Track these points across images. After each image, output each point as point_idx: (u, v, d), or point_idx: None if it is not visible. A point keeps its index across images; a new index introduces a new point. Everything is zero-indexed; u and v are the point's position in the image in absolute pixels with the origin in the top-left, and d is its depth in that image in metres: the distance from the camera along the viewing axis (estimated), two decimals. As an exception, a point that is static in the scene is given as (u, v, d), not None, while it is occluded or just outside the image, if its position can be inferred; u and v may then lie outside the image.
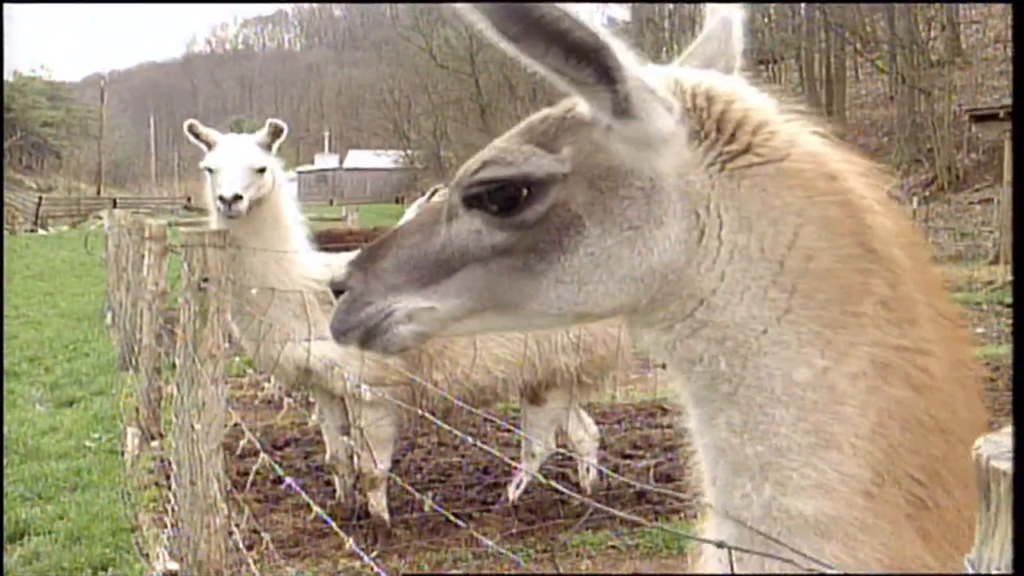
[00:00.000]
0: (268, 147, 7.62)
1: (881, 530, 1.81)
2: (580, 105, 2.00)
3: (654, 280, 1.93)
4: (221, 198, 7.18)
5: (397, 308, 2.10)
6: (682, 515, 7.79)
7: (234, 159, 7.41)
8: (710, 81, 2.05)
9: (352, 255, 2.30)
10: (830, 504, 1.82)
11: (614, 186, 1.92)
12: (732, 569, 1.79)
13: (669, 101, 1.93)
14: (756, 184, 1.91)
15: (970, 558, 0.96)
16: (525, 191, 1.96)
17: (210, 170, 7.44)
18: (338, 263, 7.64)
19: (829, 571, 1.75)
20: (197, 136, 7.67)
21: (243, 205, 7.19)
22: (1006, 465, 0.93)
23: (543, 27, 1.82)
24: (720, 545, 1.82)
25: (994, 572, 0.93)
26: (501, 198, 1.99)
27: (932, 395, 1.88)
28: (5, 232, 48.19)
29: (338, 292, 2.20)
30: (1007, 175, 30.95)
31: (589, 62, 1.86)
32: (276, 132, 7.67)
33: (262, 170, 7.40)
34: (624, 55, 1.87)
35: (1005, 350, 15.58)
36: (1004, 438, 1.00)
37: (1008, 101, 42.79)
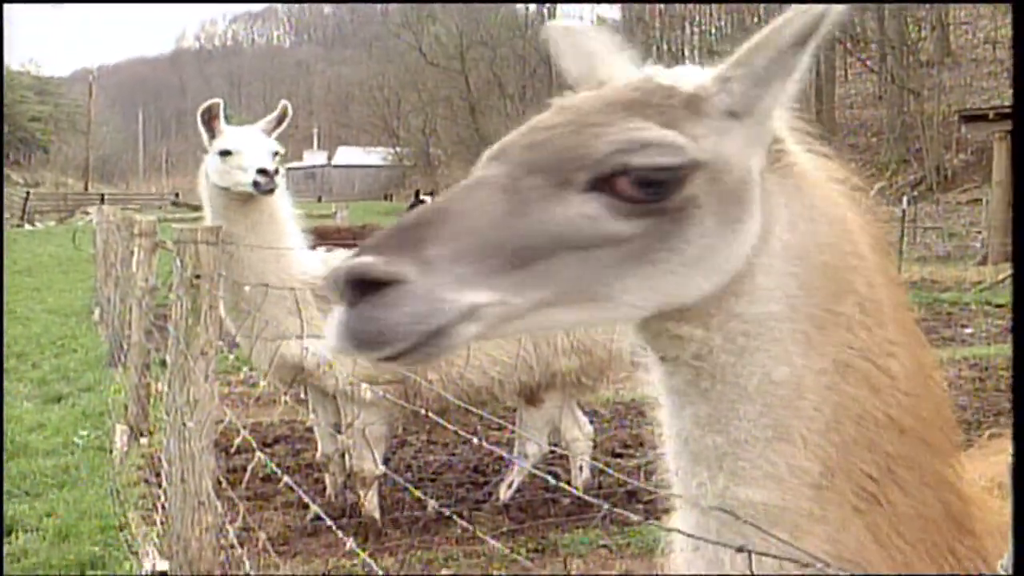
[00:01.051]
0: (269, 135, 7.61)
1: (828, 521, 1.88)
2: (711, 96, 1.96)
3: (732, 274, 1.92)
4: (262, 171, 7.10)
5: (467, 303, 1.75)
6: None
7: (255, 140, 7.41)
8: None
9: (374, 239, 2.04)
10: (779, 494, 1.89)
11: (731, 179, 1.91)
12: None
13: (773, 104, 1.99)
14: (797, 184, 2.00)
15: (1003, 564, 0.96)
16: (678, 179, 1.85)
17: (228, 152, 7.27)
18: (334, 260, 7.61)
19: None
20: (210, 120, 7.53)
21: (273, 183, 7.16)
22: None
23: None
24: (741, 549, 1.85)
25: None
26: (650, 184, 1.84)
27: (891, 395, 1.94)
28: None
29: (362, 285, 1.76)
30: (996, 175, 31.05)
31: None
32: (283, 116, 7.74)
33: (277, 154, 7.39)
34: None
35: (994, 350, 15.62)
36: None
37: (998, 102, 42.92)
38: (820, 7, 1.87)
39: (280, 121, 7.67)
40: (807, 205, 1.99)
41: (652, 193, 1.83)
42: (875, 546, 1.88)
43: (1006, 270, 25.27)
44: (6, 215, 59.99)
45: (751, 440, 1.90)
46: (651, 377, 2.10)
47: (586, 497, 3.22)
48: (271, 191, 7.15)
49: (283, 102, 7.75)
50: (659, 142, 1.85)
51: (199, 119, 7.56)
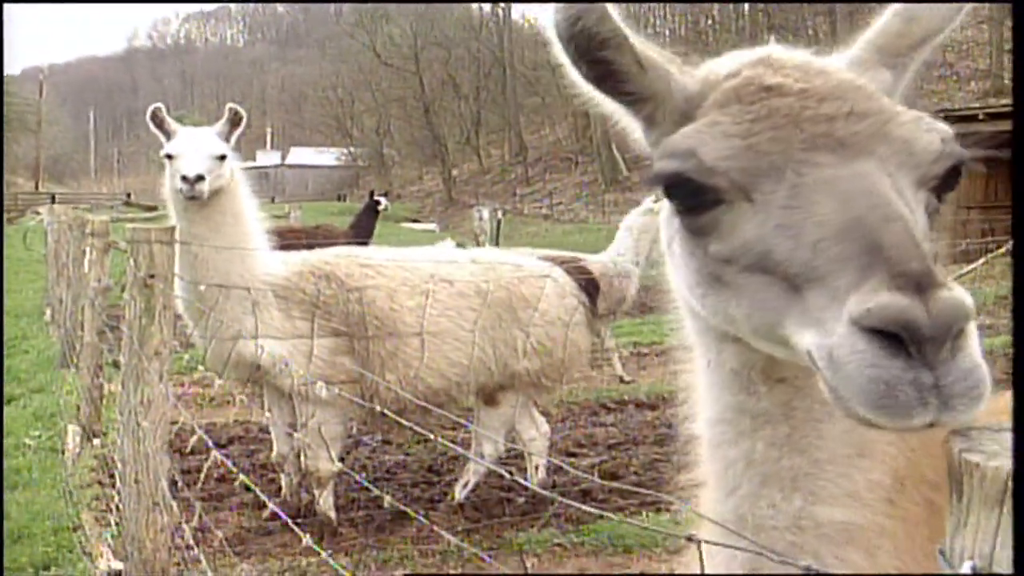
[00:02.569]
0: (227, 138, 7.51)
1: (896, 535, 1.84)
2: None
3: None
4: (184, 177, 7.05)
5: None
6: (626, 512, 7.84)
7: (195, 145, 7.31)
8: None
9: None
10: (859, 511, 1.85)
11: None
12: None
13: None
14: None
15: (942, 548, 0.98)
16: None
17: (170, 157, 7.29)
18: (294, 260, 7.62)
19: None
20: (160, 124, 7.54)
21: (205, 186, 7.07)
22: (978, 457, 0.95)
23: None
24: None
25: (967, 561, 0.95)
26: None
27: None
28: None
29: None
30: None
31: None
32: (235, 119, 7.57)
33: (222, 158, 7.30)
34: None
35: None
36: (975, 431, 1.04)
37: (948, 105, 43.39)
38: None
39: (234, 124, 7.57)
40: None
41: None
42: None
43: (955, 271, 25.48)
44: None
45: (834, 459, 1.86)
46: (716, 402, 2.03)
47: (544, 492, 3.24)
48: (194, 198, 7.11)
49: (230, 105, 7.63)
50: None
51: (150, 123, 7.58)
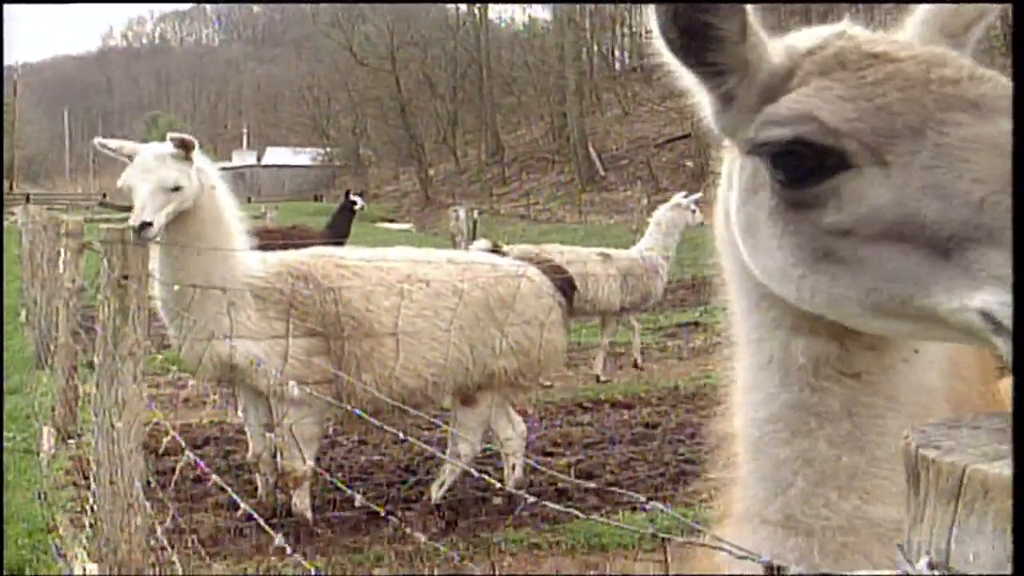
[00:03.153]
0: (186, 158, 7.30)
1: None
2: None
3: None
4: (131, 227, 6.69)
5: None
6: (602, 511, 7.86)
7: (145, 180, 7.11)
8: None
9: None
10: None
11: None
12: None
13: None
14: None
15: (900, 543, 1.00)
16: None
17: (104, 204, 7.16)
18: (272, 260, 7.63)
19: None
20: (112, 150, 7.48)
21: (153, 231, 6.89)
22: (934, 453, 0.97)
23: None
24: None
25: (924, 556, 0.96)
26: None
27: (968, 379, 1.93)
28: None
29: None
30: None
31: None
32: (184, 147, 7.29)
33: (177, 188, 7.13)
34: None
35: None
36: (930, 427, 1.06)
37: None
38: None
39: (186, 150, 7.27)
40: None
41: None
42: None
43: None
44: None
45: (892, 456, 1.81)
46: (771, 400, 1.97)
47: (517, 493, 3.25)
48: (148, 239, 6.81)
49: (172, 136, 7.39)
50: None
51: (101, 150, 7.53)
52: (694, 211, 14.78)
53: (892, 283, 1.58)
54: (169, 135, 7.42)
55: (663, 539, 1.78)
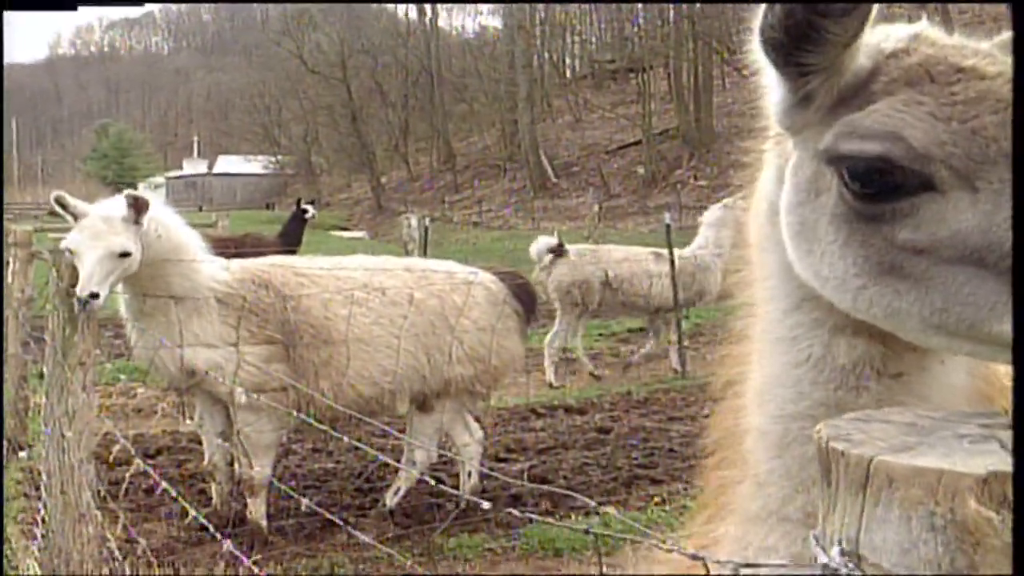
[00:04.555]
0: (136, 220, 7.06)
1: None
2: None
3: None
4: (77, 299, 6.38)
5: None
6: (557, 516, 7.91)
7: (92, 248, 6.82)
8: None
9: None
10: None
11: None
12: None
13: None
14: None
15: (815, 533, 1.05)
16: None
17: (70, 251, 6.83)
18: (235, 267, 7.64)
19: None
20: (64, 207, 7.29)
21: (99, 303, 6.45)
22: (843, 445, 1.03)
23: None
24: None
25: (836, 545, 1.01)
26: None
27: (990, 378, 1.91)
28: None
29: None
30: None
31: None
32: (138, 207, 7.09)
33: (125, 255, 6.91)
34: None
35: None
36: (842, 422, 1.11)
37: (868, 110, 44.04)
38: None
39: (139, 211, 7.07)
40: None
41: None
42: None
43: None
44: None
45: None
46: (803, 398, 1.94)
47: (474, 499, 3.28)
48: (93, 310, 6.22)
49: (128, 193, 7.19)
50: None
51: (56, 207, 7.36)
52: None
53: (964, 306, 1.57)
54: (125, 193, 7.20)
55: (595, 537, 1.77)
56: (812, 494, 1.85)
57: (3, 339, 9.27)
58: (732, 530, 2.04)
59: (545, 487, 8.20)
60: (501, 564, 7.37)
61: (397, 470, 8.34)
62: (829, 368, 1.90)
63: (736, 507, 2.05)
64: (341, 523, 5.44)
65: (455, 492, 7.91)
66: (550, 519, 7.72)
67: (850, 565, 0.98)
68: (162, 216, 7.43)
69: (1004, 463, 0.93)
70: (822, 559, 1.01)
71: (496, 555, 7.49)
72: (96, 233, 6.90)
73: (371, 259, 8.51)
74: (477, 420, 8.88)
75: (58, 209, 7.25)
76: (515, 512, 2.70)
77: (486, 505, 2.69)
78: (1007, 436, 1.01)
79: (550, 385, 13.76)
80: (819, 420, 1.72)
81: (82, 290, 6.45)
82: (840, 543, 1.00)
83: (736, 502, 2.06)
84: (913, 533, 0.94)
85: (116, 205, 7.13)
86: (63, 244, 6.98)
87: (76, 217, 7.06)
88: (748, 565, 1.30)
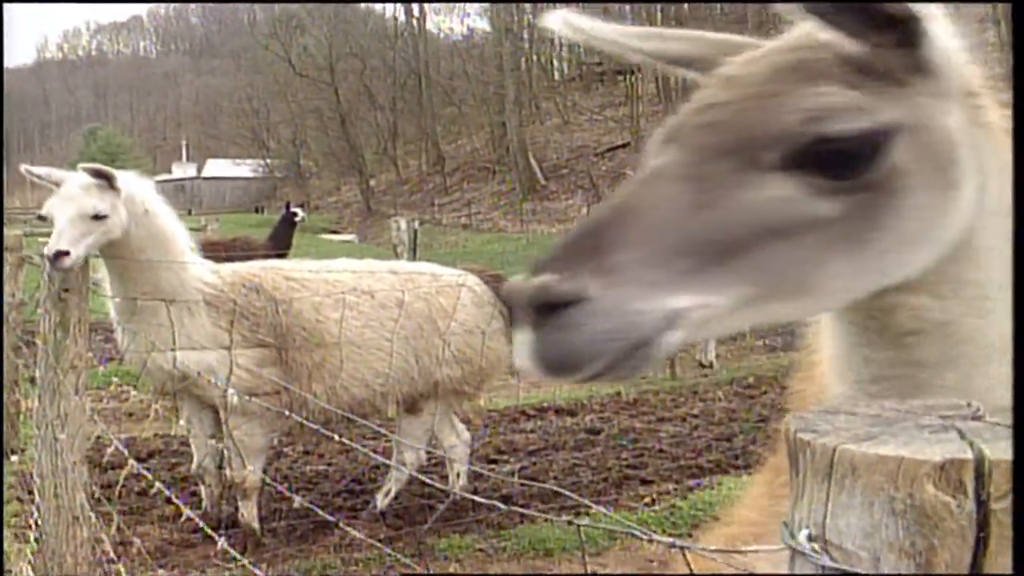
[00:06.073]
0: (110, 188, 7.09)
1: None
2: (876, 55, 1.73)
3: (953, 241, 1.77)
4: (46, 257, 6.47)
5: (666, 310, 1.58)
6: (546, 518, 7.94)
7: (64, 208, 6.92)
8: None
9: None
10: None
11: (933, 142, 1.72)
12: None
13: (952, 56, 1.77)
14: (1000, 139, 1.84)
15: (785, 521, 1.10)
16: (876, 147, 1.65)
17: (42, 218, 7.04)
18: (226, 271, 7.68)
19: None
20: (39, 177, 7.38)
21: (69, 261, 6.37)
22: (809, 436, 1.07)
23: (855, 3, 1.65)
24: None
25: (804, 529, 1.07)
26: (845, 155, 1.65)
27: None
28: None
29: (545, 308, 1.56)
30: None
31: (893, 29, 1.69)
32: (101, 175, 7.09)
33: (101, 217, 6.93)
34: (934, 21, 1.70)
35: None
36: (810, 414, 1.16)
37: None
38: None
39: (107, 180, 7.08)
40: (1004, 161, 1.82)
41: (853, 166, 1.65)
42: None
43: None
44: None
45: (1005, 401, 1.65)
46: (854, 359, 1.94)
47: (471, 496, 3.32)
48: (63, 269, 6.26)
49: (83, 166, 7.19)
50: (851, 106, 1.66)
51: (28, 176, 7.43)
52: None
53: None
54: (81, 166, 7.23)
55: (582, 535, 1.81)
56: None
57: (2, 342, 9.31)
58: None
59: (535, 484, 8.25)
60: (492, 564, 7.41)
61: (387, 472, 8.39)
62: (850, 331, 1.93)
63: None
64: (333, 522, 5.47)
65: (445, 489, 7.97)
66: (539, 516, 7.77)
67: (817, 548, 1.03)
68: (149, 194, 7.48)
69: (961, 451, 0.98)
70: (790, 543, 1.06)
71: (487, 555, 7.53)
72: (69, 195, 6.99)
73: (356, 262, 8.55)
74: (466, 421, 8.93)
75: (35, 179, 7.33)
76: (502, 506, 2.74)
77: (480, 500, 2.73)
78: (965, 426, 1.06)
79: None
80: (896, 380, 1.85)
81: (50, 248, 6.49)
82: (808, 528, 1.05)
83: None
84: (875, 517, 0.99)
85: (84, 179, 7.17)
86: (42, 210, 7.04)
87: (57, 184, 7.13)
88: (737, 552, 1.36)
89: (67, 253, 6.44)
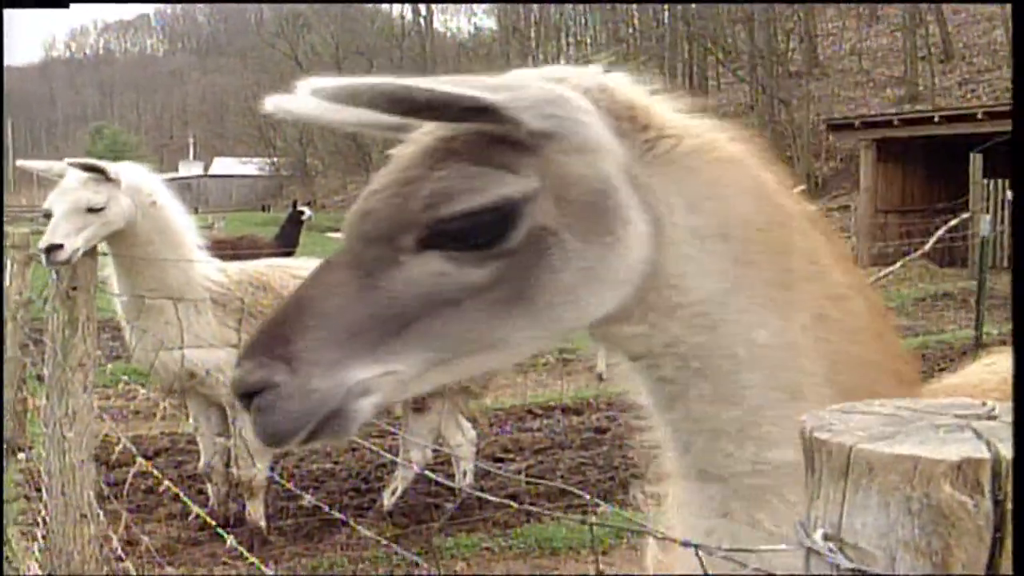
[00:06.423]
0: (107, 179, 7.09)
1: None
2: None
3: (637, 277, 1.89)
4: (39, 251, 6.63)
5: (348, 384, 1.79)
6: (553, 517, 7.95)
7: (60, 202, 6.95)
8: (601, 76, 2.01)
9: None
10: None
11: (579, 195, 1.85)
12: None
13: (584, 106, 1.88)
14: (685, 165, 1.94)
15: (800, 520, 1.10)
16: (504, 217, 1.80)
17: (47, 216, 7.01)
18: (233, 269, 7.68)
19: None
20: (40, 171, 7.41)
21: (64, 254, 6.49)
22: (826, 435, 1.07)
23: (428, 105, 1.78)
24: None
25: (819, 529, 1.07)
26: (477, 231, 1.80)
27: (865, 336, 2.00)
28: None
29: (247, 395, 1.80)
30: (863, 182, 31.85)
31: (481, 114, 1.80)
32: (87, 168, 7.10)
33: (98, 209, 6.93)
34: (512, 96, 1.81)
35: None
36: (825, 413, 1.15)
37: (864, 111, 44.14)
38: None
39: (100, 173, 7.09)
40: (709, 183, 1.96)
41: (488, 235, 1.80)
42: None
43: (874, 273, 25.96)
44: None
45: (769, 403, 1.90)
46: (631, 374, 2.10)
47: (479, 494, 3.32)
48: (59, 263, 6.37)
49: (70, 160, 7.21)
50: (465, 188, 1.81)
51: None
52: None
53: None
54: (68, 161, 7.23)
55: (592, 534, 1.89)
56: (693, 453, 2.03)
57: (2, 341, 9.31)
58: (669, 488, 2.19)
59: (542, 483, 8.25)
60: (498, 563, 7.41)
61: (394, 471, 8.39)
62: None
63: (667, 469, 2.20)
64: (342, 519, 5.47)
65: (454, 485, 7.97)
66: (547, 515, 7.78)
67: (833, 548, 1.03)
68: (156, 186, 7.50)
69: (977, 450, 0.98)
70: (805, 542, 1.06)
71: (493, 554, 7.54)
72: (64, 190, 7.03)
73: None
74: (472, 420, 8.92)
75: (40, 173, 7.39)
76: (514, 504, 2.77)
77: (491, 498, 2.75)
78: (981, 425, 1.06)
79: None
80: (658, 394, 2.04)
81: (43, 242, 6.57)
82: (824, 527, 1.05)
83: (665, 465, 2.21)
84: (891, 517, 0.99)
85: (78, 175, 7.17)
86: (44, 205, 7.07)
87: (60, 176, 7.19)
88: (735, 551, 1.36)
89: (60, 247, 6.52)
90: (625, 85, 2.03)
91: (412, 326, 1.80)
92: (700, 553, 1.34)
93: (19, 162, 7.46)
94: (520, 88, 1.83)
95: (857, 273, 2.17)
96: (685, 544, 1.51)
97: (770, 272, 1.94)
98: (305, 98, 1.99)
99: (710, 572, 1.38)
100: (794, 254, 1.98)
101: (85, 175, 7.08)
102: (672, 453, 2.08)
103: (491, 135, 1.84)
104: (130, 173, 7.30)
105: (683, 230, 1.90)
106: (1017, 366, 1.38)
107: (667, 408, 2.03)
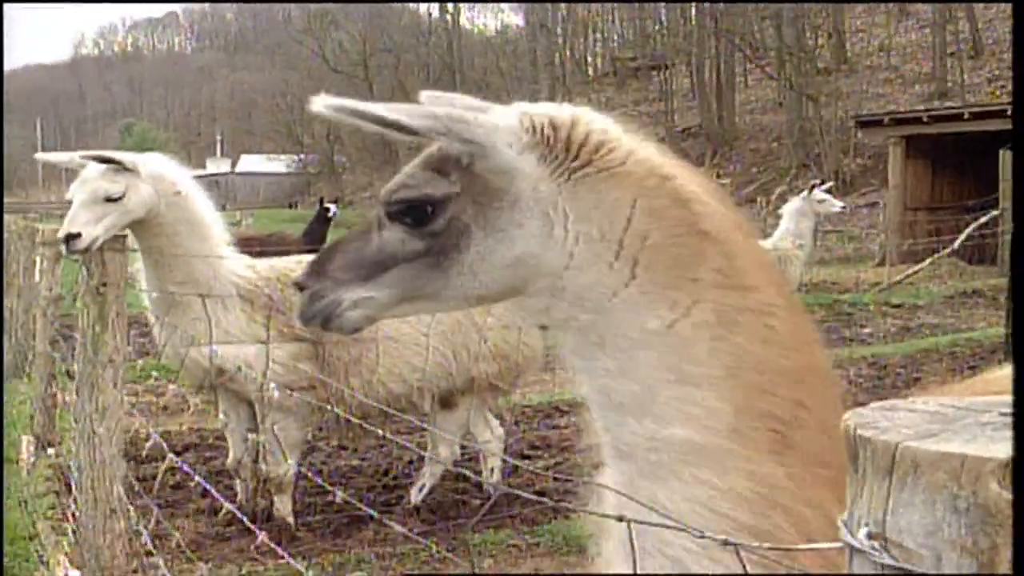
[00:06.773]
0: (126, 169, 7.08)
1: (747, 459, 2.16)
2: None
3: (521, 265, 2.42)
4: (59, 240, 6.68)
5: (345, 298, 2.58)
6: (586, 512, 7.93)
7: (78, 193, 6.97)
8: (554, 112, 2.51)
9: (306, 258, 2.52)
10: (700, 433, 2.18)
11: (488, 201, 2.42)
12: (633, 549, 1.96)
13: (511, 138, 2.40)
14: (590, 187, 2.39)
15: (843, 519, 1.09)
16: (430, 208, 2.45)
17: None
18: (261, 267, 7.68)
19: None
20: (64, 164, 7.44)
21: (82, 243, 6.53)
22: (871, 432, 1.07)
23: (383, 123, 2.42)
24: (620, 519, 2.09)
25: (863, 528, 1.06)
26: (413, 214, 2.48)
27: (780, 348, 2.26)
28: None
29: (300, 289, 2.66)
30: (892, 179, 31.74)
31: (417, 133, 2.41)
32: (101, 160, 7.13)
33: (116, 199, 6.93)
34: (432, 124, 2.37)
35: (892, 349, 16.04)
36: (868, 411, 1.16)
37: (892, 107, 43.88)
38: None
39: (113, 162, 7.10)
40: (601, 199, 2.37)
41: (417, 220, 2.47)
42: (789, 483, 2.14)
43: (903, 271, 25.89)
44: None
45: (660, 383, 2.24)
46: (558, 343, 2.53)
47: (509, 489, 3.36)
48: (78, 252, 6.50)
49: (80, 153, 7.30)
50: (404, 183, 2.52)
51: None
52: (821, 201, 16.08)
53: None
54: (79, 154, 7.28)
55: (620, 519, 1.95)
56: (607, 429, 2.41)
57: (2, 331, 9.37)
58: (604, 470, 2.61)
59: (570, 480, 8.24)
60: (525, 560, 7.40)
61: (421, 467, 8.40)
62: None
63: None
64: (371, 516, 5.47)
65: (483, 480, 7.96)
66: (575, 512, 7.75)
67: (877, 547, 1.02)
68: (181, 176, 7.50)
69: (1025, 448, 0.97)
70: (849, 541, 1.05)
71: (520, 551, 7.52)
72: (83, 180, 7.06)
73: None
74: (499, 417, 8.92)
75: (65, 165, 7.43)
76: (547, 501, 3.12)
77: (524, 494, 3.01)
78: (1029, 423, 1.04)
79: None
80: (578, 362, 2.47)
81: (62, 231, 6.64)
82: (868, 526, 1.04)
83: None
84: (937, 515, 0.98)
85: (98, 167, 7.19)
86: (67, 195, 7.11)
87: (84, 166, 7.19)
88: (775, 549, 1.35)
89: (78, 235, 6.58)
90: (580, 120, 2.50)
91: (387, 271, 2.54)
92: (740, 552, 1.33)
93: (38, 155, 7.48)
94: (454, 120, 2.38)
95: (791, 302, 2.48)
96: (725, 543, 1.54)
97: (668, 276, 2.30)
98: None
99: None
100: (703, 267, 2.29)
101: (104, 165, 7.10)
102: (600, 436, 2.45)
103: (446, 151, 2.46)
104: (153, 163, 7.31)
105: (571, 234, 2.37)
106: (1017, 366, 1.38)
107: (586, 380, 2.43)
